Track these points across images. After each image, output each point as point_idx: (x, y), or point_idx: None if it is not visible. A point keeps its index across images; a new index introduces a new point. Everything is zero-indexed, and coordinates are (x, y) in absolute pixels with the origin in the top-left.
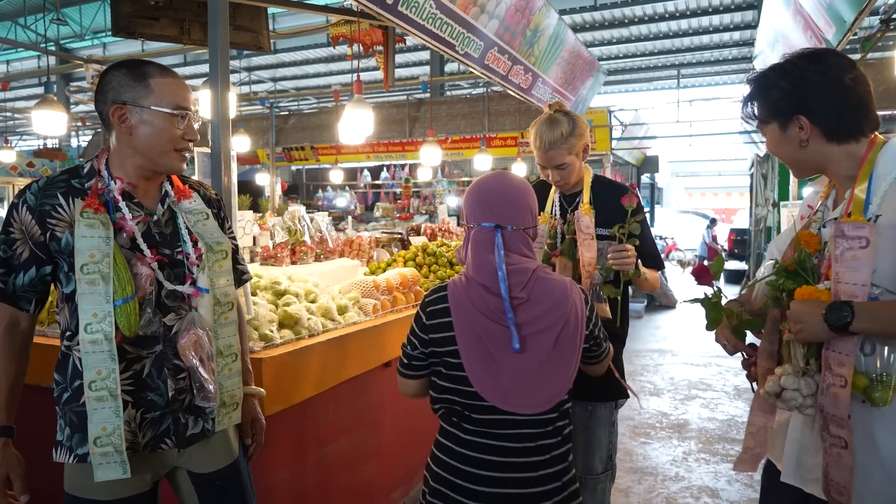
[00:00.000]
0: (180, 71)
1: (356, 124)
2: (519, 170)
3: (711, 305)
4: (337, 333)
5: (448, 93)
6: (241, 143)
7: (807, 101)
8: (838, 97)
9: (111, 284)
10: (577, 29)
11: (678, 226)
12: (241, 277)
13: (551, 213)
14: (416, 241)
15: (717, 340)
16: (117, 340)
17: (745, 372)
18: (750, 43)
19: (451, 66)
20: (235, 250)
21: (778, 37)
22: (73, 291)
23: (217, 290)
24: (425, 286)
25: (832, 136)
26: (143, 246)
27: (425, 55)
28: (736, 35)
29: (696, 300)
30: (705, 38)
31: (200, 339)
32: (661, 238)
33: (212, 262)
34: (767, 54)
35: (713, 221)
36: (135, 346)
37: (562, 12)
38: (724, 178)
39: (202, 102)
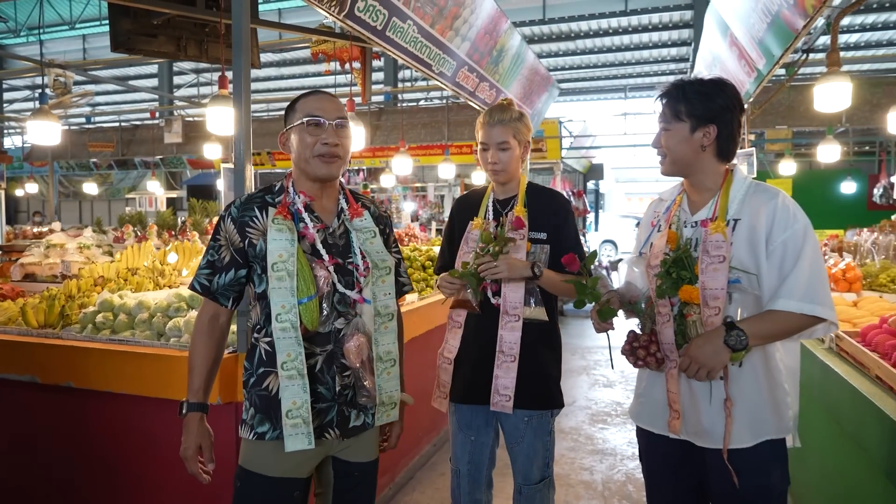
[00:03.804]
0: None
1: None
2: (479, 178)
3: (582, 288)
4: None
5: (400, 103)
6: (213, 151)
7: (725, 118)
8: (737, 128)
9: (295, 280)
10: (527, 41)
11: (620, 230)
12: (401, 289)
13: (484, 217)
14: None
15: (591, 317)
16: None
17: (630, 355)
18: (685, 59)
19: (403, 73)
20: (398, 263)
21: (715, 61)
22: (263, 291)
23: (378, 303)
24: None
25: (721, 153)
26: (322, 251)
27: (379, 63)
28: (673, 51)
29: (571, 281)
30: (645, 53)
31: (363, 344)
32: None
33: (375, 278)
34: (705, 75)
35: (638, 223)
36: (310, 343)
37: (513, 25)
38: (660, 185)
39: (210, 118)
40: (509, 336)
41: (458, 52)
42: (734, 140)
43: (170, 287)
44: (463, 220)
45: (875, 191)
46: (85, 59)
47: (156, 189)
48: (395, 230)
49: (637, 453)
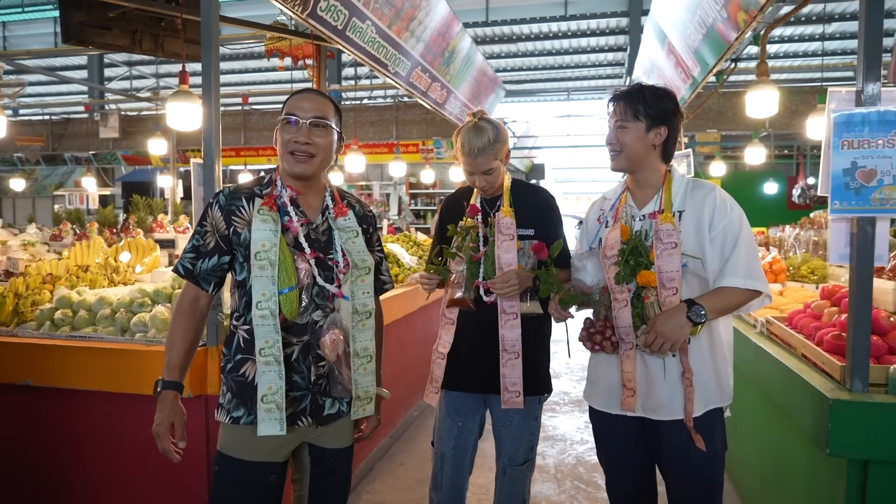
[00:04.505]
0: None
1: None
2: (427, 177)
3: (547, 277)
4: None
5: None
6: (158, 146)
7: (672, 122)
8: (678, 134)
9: (276, 269)
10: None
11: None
12: (382, 287)
13: (473, 217)
14: None
15: (550, 310)
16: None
17: (588, 340)
18: (622, 63)
19: (346, 72)
20: (380, 262)
21: (653, 68)
22: (244, 279)
23: (356, 301)
24: None
25: (665, 153)
26: (305, 245)
27: None
28: (610, 56)
29: (537, 271)
30: (584, 58)
31: (338, 339)
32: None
33: (355, 277)
34: (644, 80)
35: (580, 223)
36: (288, 333)
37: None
38: (596, 185)
39: (170, 114)
40: (510, 334)
41: (412, 52)
42: (675, 143)
43: (125, 284)
44: (453, 220)
45: (794, 191)
46: (6, 49)
47: (90, 185)
48: None
49: (584, 438)
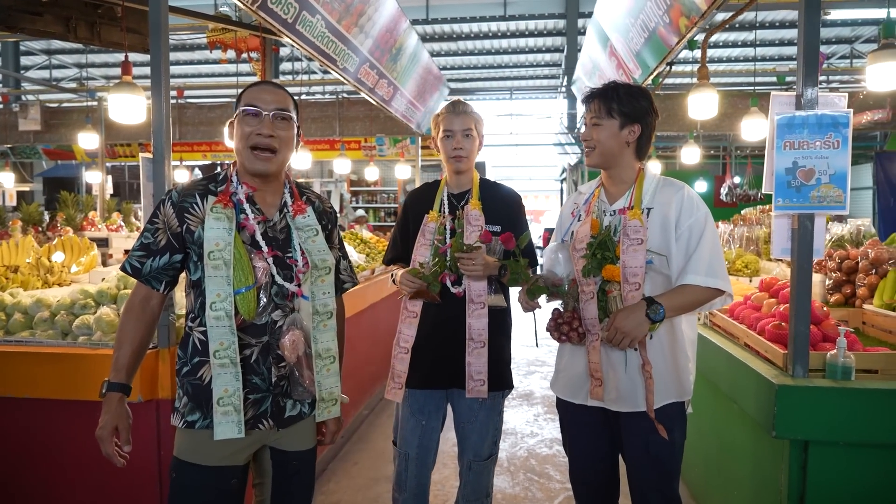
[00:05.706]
0: None
1: None
2: (371, 173)
3: (515, 266)
4: None
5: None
6: (89, 140)
7: (646, 120)
8: (652, 132)
9: (231, 269)
10: None
11: None
12: (341, 286)
13: (440, 211)
14: None
15: (519, 300)
16: (236, 324)
17: (555, 331)
18: (559, 64)
19: (283, 66)
20: (339, 261)
21: (595, 69)
22: (199, 279)
23: (317, 301)
24: None
25: (639, 151)
26: (262, 243)
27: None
28: (547, 57)
29: (505, 261)
30: (522, 58)
31: (298, 339)
32: None
33: (315, 277)
34: (584, 81)
35: None
36: (246, 334)
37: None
38: (534, 183)
39: (113, 106)
40: (477, 323)
41: (361, 48)
42: (649, 142)
43: (60, 285)
44: (417, 213)
45: (722, 190)
46: None
47: (8, 181)
48: None
49: (534, 431)
